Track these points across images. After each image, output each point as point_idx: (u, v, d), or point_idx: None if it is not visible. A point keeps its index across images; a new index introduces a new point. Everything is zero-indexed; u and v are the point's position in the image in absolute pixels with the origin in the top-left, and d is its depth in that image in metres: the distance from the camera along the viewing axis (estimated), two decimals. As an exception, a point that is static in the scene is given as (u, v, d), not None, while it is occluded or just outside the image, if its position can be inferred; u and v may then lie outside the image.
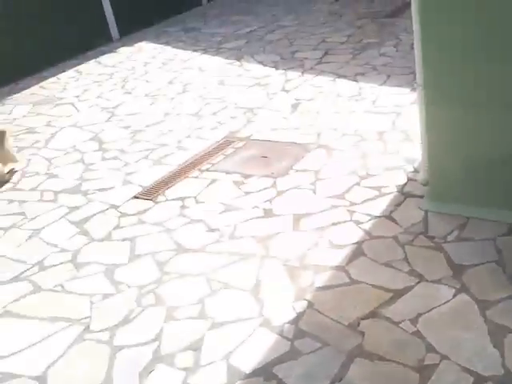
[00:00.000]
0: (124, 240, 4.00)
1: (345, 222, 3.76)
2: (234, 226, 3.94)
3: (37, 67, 8.20)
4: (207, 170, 4.77)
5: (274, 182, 4.40)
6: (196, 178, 4.67)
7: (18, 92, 7.59)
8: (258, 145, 5.08)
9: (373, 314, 2.95)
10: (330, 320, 2.96)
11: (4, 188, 5.00)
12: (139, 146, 5.41)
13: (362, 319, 2.93)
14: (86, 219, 4.31)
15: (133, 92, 6.91)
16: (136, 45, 9.05)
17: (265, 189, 4.34)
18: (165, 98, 6.52)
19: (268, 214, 4.02)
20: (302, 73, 6.61)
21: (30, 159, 5.48)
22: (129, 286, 3.52)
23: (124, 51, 8.84)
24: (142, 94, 6.77)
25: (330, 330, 2.91)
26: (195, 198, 4.37)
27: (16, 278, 3.75)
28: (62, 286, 3.61)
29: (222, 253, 3.68)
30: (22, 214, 4.53)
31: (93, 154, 5.37)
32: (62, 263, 3.84)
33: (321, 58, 7.00)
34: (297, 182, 4.34)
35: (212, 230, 3.94)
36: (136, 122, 5.97)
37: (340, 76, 6.26)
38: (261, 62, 7.28)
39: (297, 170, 4.52)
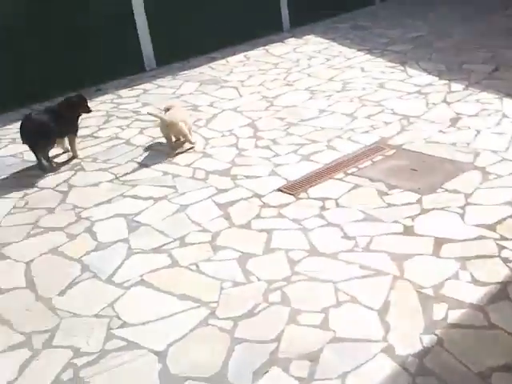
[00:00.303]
0: (261, 231, 3.88)
1: (492, 256, 3.35)
2: (371, 237, 3.67)
3: (208, 48, 8.34)
4: (352, 173, 4.52)
5: (420, 198, 4.05)
6: (340, 180, 4.44)
7: (188, 69, 7.77)
8: (409, 155, 4.73)
9: (508, 368, 2.58)
10: (458, 363, 2.63)
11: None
12: (291, 139, 5.26)
13: (495, 371, 2.57)
14: (231, 203, 4.26)
15: (294, 84, 6.76)
16: (304, 37, 8.90)
17: (408, 204, 4.01)
18: (323, 95, 6.31)
19: (408, 231, 3.70)
20: (467, 86, 6.08)
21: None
22: (259, 279, 3.40)
23: (292, 42, 8.73)
24: (302, 88, 6.61)
25: (457, 374, 2.58)
26: (336, 200, 4.15)
27: (157, 250, 3.78)
28: (197, 266, 3.57)
29: (354, 263, 3.44)
30: (174, 187, 4.57)
31: (247, 141, 5.31)
32: (200, 243, 3.81)
33: (490, 72, 6.41)
34: (444, 203, 3.96)
35: (348, 238, 3.71)
36: (292, 114, 5.83)
37: (509, 95, 5.67)
38: (425, 70, 6.82)
39: (446, 190, 4.13)
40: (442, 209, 3.90)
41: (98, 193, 4.56)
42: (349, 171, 4.55)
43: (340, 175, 4.51)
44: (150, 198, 4.43)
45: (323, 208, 4.08)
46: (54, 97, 6.21)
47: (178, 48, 8.06)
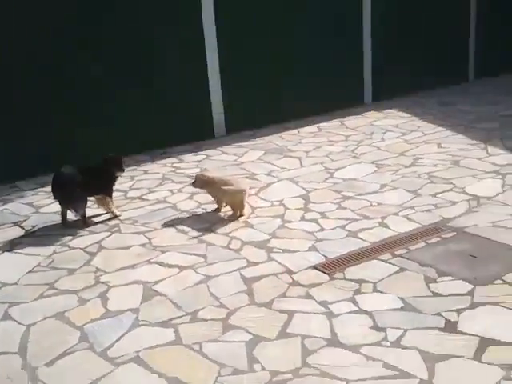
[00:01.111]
0: (282, 312, 3.45)
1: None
2: (404, 331, 3.14)
3: (283, 118, 8.20)
4: (401, 255, 4.00)
5: (473, 289, 3.47)
6: (385, 261, 3.94)
7: (258, 138, 7.62)
8: (470, 240, 4.15)
9: None
10: None
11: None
12: (342, 213, 4.84)
13: None
14: (258, 278, 3.87)
15: (360, 157, 6.38)
16: (385, 111, 8.55)
17: (458, 295, 3.44)
18: (389, 169, 5.87)
19: (450, 327, 3.13)
20: (553, 169, 5.43)
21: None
22: (263, 368, 2.95)
23: (370, 115, 8.41)
24: (368, 161, 6.21)
25: None
26: (374, 284, 3.65)
27: (164, 323, 3.43)
28: (201, 346, 3.17)
29: (377, 360, 2.92)
30: (204, 256, 4.27)
31: (294, 212, 4.95)
32: (213, 319, 3.43)
33: None
34: (500, 297, 3.36)
35: (377, 329, 3.19)
36: (350, 187, 5.43)
37: None
38: (509, 149, 6.22)
39: (506, 282, 3.52)
40: (497, 304, 3.30)
41: (125, 257, 4.34)
42: (397, 252, 4.05)
43: (386, 256, 4.01)
44: (176, 265, 4.14)
45: (358, 291, 3.59)
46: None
47: (251, 116, 7.98)
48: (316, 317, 3.37)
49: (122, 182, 5.96)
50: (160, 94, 7.24)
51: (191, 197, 5.53)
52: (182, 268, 4.12)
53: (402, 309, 3.36)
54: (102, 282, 3.98)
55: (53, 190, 4.90)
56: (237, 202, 4.91)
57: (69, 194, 4.88)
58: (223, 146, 7.32)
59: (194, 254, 4.30)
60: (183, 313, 3.54)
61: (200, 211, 5.15)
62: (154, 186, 5.92)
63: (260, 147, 7.18)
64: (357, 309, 3.41)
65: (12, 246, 4.67)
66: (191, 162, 6.72)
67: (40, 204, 5.61)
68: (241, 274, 3.95)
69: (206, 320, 3.44)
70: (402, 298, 3.46)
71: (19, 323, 3.56)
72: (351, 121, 8.15)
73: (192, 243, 4.51)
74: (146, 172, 6.45)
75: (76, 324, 3.49)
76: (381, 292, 3.57)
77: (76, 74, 6.61)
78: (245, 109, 7.89)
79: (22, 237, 4.85)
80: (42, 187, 6.01)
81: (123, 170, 5.16)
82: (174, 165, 6.66)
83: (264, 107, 8.09)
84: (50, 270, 4.20)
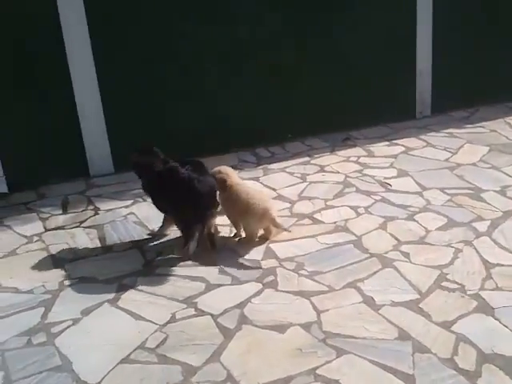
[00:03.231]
0: None
1: None
2: None
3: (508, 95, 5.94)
4: None
5: None
6: None
7: (476, 123, 5.51)
8: None
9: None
10: None
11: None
12: None
13: None
14: None
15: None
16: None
17: None
18: None
19: None
20: None
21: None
22: None
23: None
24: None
25: None
26: None
27: None
28: None
29: None
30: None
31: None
32: None
33: None
34: None
35: None
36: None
37: None
38: None
39: None
40: None
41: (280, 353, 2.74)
42: None
43: None
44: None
45: None
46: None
47: (467, 91, 5.84)
48: None
49: (285, 185, 4.37)
50: (352, 64, 5.44)
51: (383, 225, 3.74)
52: None
53: None
54: None
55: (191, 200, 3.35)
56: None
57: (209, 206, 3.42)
58: (427, 134, 5.32)
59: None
60: None
61: (394, 255, 3.37)
62: (331, 197, 4.19)
63: (481, 139, 5.10)
64: None
65: (121, 290, 3.24)
66: (383, 158, 4.87)
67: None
68: None
69: None
70: None
71: None
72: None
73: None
74: (321, 169, 4.71)
75: None
76: None
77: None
78: (460, 82, 5.75)
79: (139, 272, 3.41)
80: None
81: None
82: (361, 160, 4.85)
83: (477, 79, 5.87)
84: (157, 363, 2.70)
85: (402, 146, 5.09)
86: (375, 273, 3.21)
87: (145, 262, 3.46)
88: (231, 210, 3.57)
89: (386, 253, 3.40)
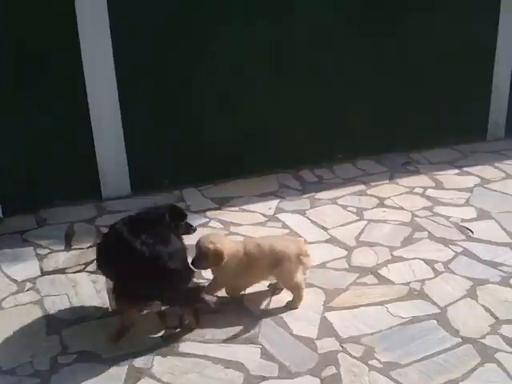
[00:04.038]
0: None
1: None
2: None
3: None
4: None
5: None
6: None
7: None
8: None
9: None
10: None
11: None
12: None
13: None
14: None
15: None
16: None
17: None
18: None
19: None
20: None
21: None
22: None
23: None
24: None
25: None
26: None
27: None
28: None
29: None
30: None
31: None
32: None
33: None
34: None
35: None
36: None
37: None
38: None
39: None
40: None
41: None
42: None
43: None
44: None
45: None
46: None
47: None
48: None
49: (338, 223, 3.55)
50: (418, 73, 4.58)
51: (472, 291, 2.90)
52: None
53: None
54: None
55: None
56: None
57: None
58: (504, 162, 4.45)
59: None
60: None
61: (493, 341, 2.53)
62: (398, 244, 3.35)
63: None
64: None
65: (132, 376, 2.43)
66: (455, 191, 4.00)
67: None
68: None
69: None
70: None
71: None
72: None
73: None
74: (381, 202, 3.86)
75: None
76: None
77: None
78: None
79: (156, 348, 2.63)
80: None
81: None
82: (428, 192, 3.99)
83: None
84: None
85: (477, 176, 4.22)
86: (473, 370, 2.37)
87: (165, 333, 2.66)
88: (246, 276, 2.75)
89: (483, 337, 2.56)
